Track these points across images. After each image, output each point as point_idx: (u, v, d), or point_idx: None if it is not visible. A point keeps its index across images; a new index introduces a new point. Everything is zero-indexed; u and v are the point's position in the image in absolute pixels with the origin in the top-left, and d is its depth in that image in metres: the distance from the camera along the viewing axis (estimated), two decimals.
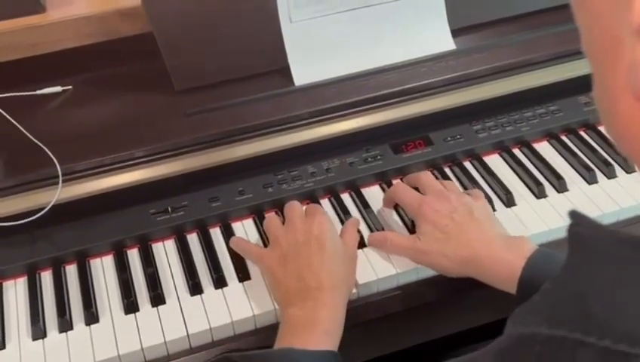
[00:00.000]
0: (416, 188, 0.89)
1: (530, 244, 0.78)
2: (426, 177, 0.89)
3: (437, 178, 0.96)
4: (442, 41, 0.99)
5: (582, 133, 1.02)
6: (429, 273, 0.84)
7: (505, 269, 0.76)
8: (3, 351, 0.78)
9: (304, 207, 0.87)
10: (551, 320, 0.39)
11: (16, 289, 0.85)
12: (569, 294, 0.39)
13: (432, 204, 0.83)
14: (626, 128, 0.38)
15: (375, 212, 0.92)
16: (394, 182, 0.96)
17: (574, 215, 0.42)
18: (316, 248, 0.79)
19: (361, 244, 0.87)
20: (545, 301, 0.41)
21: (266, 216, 0.88)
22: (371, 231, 0.89)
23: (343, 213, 0.91)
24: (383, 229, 0.88)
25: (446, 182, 0.90)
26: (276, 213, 0.92)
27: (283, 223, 0.85)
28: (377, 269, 0.84)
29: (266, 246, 0.86)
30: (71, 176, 0.86)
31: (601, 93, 0.40)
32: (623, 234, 0.39)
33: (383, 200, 0.92)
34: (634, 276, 0.37)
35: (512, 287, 0.75)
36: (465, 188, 0.94)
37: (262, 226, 0.89)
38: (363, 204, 0.93)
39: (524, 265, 0.74)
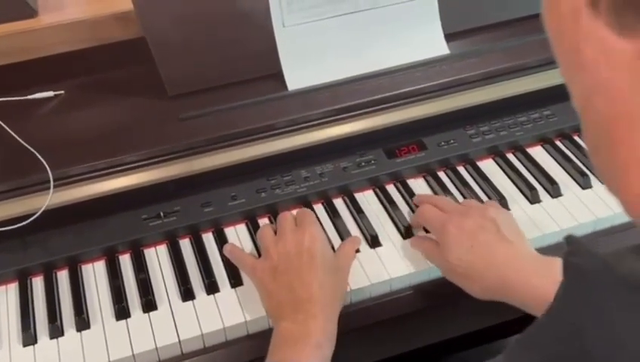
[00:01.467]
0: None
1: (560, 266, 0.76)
2: (444, 200, 0.88)
3: (430, 183, 0.96)
4: (436, 46, 0.99)
5: (576, 138, 1.02)
6: (422, 278, 0.84)
7: (536, 295, 0.72)
8: None
9: (296, 212, 0.87)
10: (547, 358, 0.38)
11: (7, 295, 0.84)
12: (565, 330, 0.38)
13: (456, 222, 0.80)
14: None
15: (368, 217, 0.91)
16: (387, 187, 0.96)
17: (571, 241, 0.41)
18: (307, 260, 0.78)
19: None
20: (541, 335, 0.40)
21: (260, 225, 0.88)
22: (364, 236, 0.89)
23: (336, 218, 0.91)
24: (376, 235, 0.88)
25: (463, 201, 0.90)
26: (270, 220, 0.92)
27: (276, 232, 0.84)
28: (370, 275, 0.84)
29: (259, 253, 0.86)
30: (62, 181, 0.85)
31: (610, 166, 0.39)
32: (621, 270, 0.37)
33: (412, 221, 0.90)
34: (631, 317, 0.35)
35: None
36: (460, 192, 0.94)
37: (255, 233, 0.89)
38: (356, 209, 0.92)
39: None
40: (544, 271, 0.74)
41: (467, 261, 0.77)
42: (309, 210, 0.88)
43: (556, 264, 0.74)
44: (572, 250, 0.40)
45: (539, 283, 0.73)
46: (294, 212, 0.88)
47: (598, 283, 0.38)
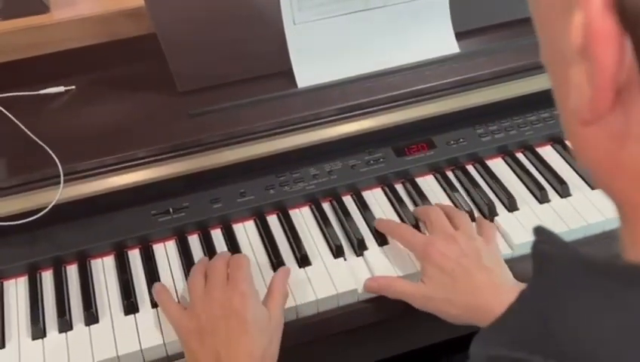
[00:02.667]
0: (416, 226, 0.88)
1: None
2: (436, 214, 0.85)
3: (439, 182, 0.96)
4: (446, 44, 0.99)
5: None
6: None
7: None
8: (2, 350, 0.78)
9: (229, 259, 0.81)
10: (513, 342, 0.38)
11: (17, 289, 0.85)
12: (532, 315, 0.38)
13: (439, 246, 0.79)
14: (581, 150, 0.37)
15: (377, 215, 0.91)
16: (396, 185, 0.95)
17: (539, 231, 0.41)
18: (236, 325, 0.73)
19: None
20: (510, 321, 0.40)
21: (192, 269, 0.81)
22: (373, 234, 0.89)
23: (345, 216, 0.91)
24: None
25: (458, 217, 0.85)
26: (278, 217, 0.92)
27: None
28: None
29: (269, 253, 0.86)
30: (73, 176, 0.86)
31: (560, 111, 0.39)
32: (589, 256, 0.37)
33: (386, 231, 0.88)
34: (596, 301, 0.36)
35: None
36: (468, 191, 0.94)
37: (264, 231, 0.89)
38: (365, 207, 0.92)
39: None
40: None
41: (447, 285, 0.77)
42: (244, 258, 0.81)
43: None
44: (541, 238, 0.41)
45: None
46: (227, 259, 0.82)
47: (564, 267, 0.38)
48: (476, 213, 0.91)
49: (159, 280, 0.84)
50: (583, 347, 0.35)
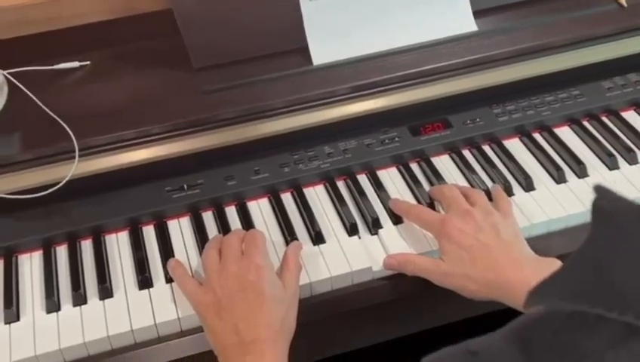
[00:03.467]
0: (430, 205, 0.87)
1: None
2: (450, 192, 0.84)
3: (455, 162, 0.95)
4: (464, 22, 0.98)
5: (604, 119, 1.00)
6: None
7: None
8: (17, 323, 0.78)
9: (244, 235, 0.81)
10: (573, 295, 0.38)
11: (32, 263, 0.85)
12: (591, 268, 0.38)
13: (456, 222, 0.79)
14: None
15: (391, 194, 0.91)
16: (411, 165, 0.95)
17: (599, 189, 0.41)
18: (253, 298, 0.73)
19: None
20: (566, 275, 0.40)
21: (206, 246, 0.81)
22: (387, 213, 0.88)
23: (359, 195, 0.90)
24: None
25: (473, 194, 0.84)
26: (292, 195, 0.91)
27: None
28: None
29: (284, 231, 0.86)
30: (87, 151, 0.86)
31: None
32: None
33: (401, 213, 0.87)
34: None
35: None
36: (485, 171, 0.93)
37: (278, 208, 0.89)
38: (379, 186, 0.92)
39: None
40: (542, 270, 0.73)
41: (466, 261, 0.76)
42: (259, 233, 0.81)
43: (555, 265, 0.75)
44: (600, 195, 0.41)
45: (537, 281, 0.72)
46: (241, 235, 0.81)
47: (625, 220, 0.38)
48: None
49: (173, 256, 0.84)
50: None
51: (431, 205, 0.88)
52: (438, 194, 0.87)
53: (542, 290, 0.41)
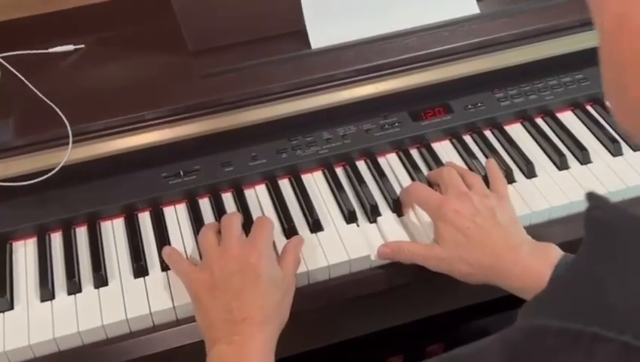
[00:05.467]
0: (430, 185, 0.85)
1: (556, 251, 0.74)
2: (449, 174, 0.83)
3: (456, 147, 0.94)
4: (466, 5, 0.96)
5: (608, 104, 0.98)
6: None
7: (531, 277, 0.71)
8: (11, 311, 0.77)
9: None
10: (566, 312, 0.36)
11: (26, 250, 0.84)
12: (586, 283, 0.37)
13: (453, 204, 0.78)
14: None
15: (391, 181, 0.89)
16: (411, 150, 0.93)
17: (592, 197, 0.40)
18: (251, 279, 0.72)
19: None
20: (559, 291, 0.39)
21: (203, 229, 0.79)
22: (387, 200, 0.87)
23: (358, 182, 0.89)
24: (398, 199, 0.86)
25: (470, 176, 0.84)
26: (290, 181, 0.90)
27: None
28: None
29: (281, 218, 0.85)
30: (82, 137, 0.85)
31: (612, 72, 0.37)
32: None
33: (400, 196, 0.86)
34: None
35: None
36: (486, 156, 0.92)
37: (275, 194, 0.88)
38: (379, 173, 0.90)
39: (552, 274, 0.70)
40: (539, 254, 0.74)
41: (461, 244, 0.75)
42: (269, 221, 0.80)
43: (552, 249, 0.74)
44: (594, 204, 0.40)
45: (534, 265, 0.72)
46: (239, 218, 0.80)
47: (620, 233, 0.37)
48: None
49: (169, 243, 0.83)
50: None
51: None
52: (437, 176, 0.86)
53: (536, 307, 0.40)
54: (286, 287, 0.75)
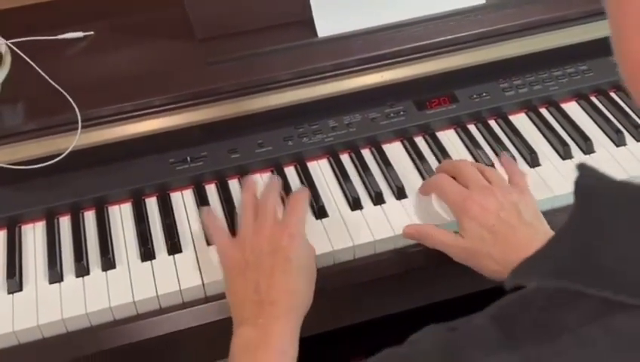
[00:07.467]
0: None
1: None
2: (467, 167, 0.82)
3: (460, 137, 0.94)
4: None
5: (612, 95, 0.99)
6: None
7: None
8: (20, 293, 0.79)
9: (289, 197, 0.80)
10: (551, 271, 0.38)
11: (35, 233, 0.85)
12: (574, 245, 0.38)
13: (478, 199, 0.77)
14: (637, 67, 0.37)
15: (396, 169, 0.90)
16: (416, 139, 0.94)
17: (582, 167, 0.41)
18: (281, 262, 0.72)
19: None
20: (547, 252, 0.40)
21: (243, 205, 0.79)
22: (391, 188, 0.87)
23: (364, 170, 0.90)
24: (403, 187, 0.87)
25: (489, 171, 0.83)
26: (296, 168, 0.91)
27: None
28: (395, 227, 0.83)
29: (284, 202, 0.85)
30: (90, 123, 0.86)
31: (615, 34, 0.38)
32: (630, 184, 0.38)
33: (422, 187, 0.86)
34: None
35: None
36: (490, 146, 0.92)
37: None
38: (384, 161, 0.91)
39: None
40: None
41: (489, 238, 0.75)
42: (302, 202, 0.79)
43: None
44: (583, 173, 0.41)
45: None
46: (276, 195, 0.80)
47: (610, 196, 0.38)
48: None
49: (176, 228, 0.84)
50: (628, 272, 0.35)
51: None
52: (453, 169, 0.84)
53: (525, 268, 0.41)
54: (314, 272, 0.76)
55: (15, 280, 0.79)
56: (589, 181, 0.40)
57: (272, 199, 0.79)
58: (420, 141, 0.94)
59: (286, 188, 0.88)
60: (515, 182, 0.82)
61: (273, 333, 0.69)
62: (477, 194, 0.78)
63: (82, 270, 0.80)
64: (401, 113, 0.94)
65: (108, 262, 0.81)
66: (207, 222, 0.81)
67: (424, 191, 0.86)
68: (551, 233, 0.77)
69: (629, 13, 0.37)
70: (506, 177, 0.84)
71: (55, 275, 0.80)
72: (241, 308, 0.72)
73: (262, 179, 0.90)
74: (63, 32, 0.95)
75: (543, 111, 0.97)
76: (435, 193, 0.84)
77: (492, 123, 0.96)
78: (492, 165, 0.88)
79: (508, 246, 0.74)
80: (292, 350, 0.69)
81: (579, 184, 0.40)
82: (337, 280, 0.81)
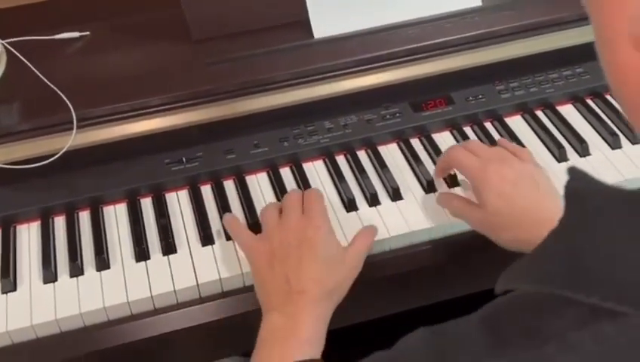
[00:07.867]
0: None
1: None
2: (479, 144, 0.83)
3: (456, 138, 0.94)
4: None
5: (608, 98, 0.99)
6: (443, 233, 0.83)
7: None
8: (14, 293, 0.78)
9: (305, 193, 0.81)
10: (540, 277, 0.38)
11: (30, 233, 0.85)
12: (563, 250, 0.38)
13: (496, 167, 0.76)
14: (626, 77, 0.37)
15: (391, 171, 0.90)
16: (412, 141, 0.94)
17: (572, 171, 0.41)
18: (307, 252, 0.74)
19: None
20: (536, 257, 0.40)
21: (266, 206, 0.81)
22: (387, 190, 0.88)
23: (359, 171, 0.90)
24: (398, 188, 0.87)
25: (496, 148, 0.83)
26: (291, 169, 0.91)
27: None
28: (390, 227, 0.83)
29: (279, 201, 0.85)
30: (86, 123, 0.85)
31: (601, 44, 0.38)
32: (620, 189, 0.38)
33: (438, 166, 0.86)
34: (629, 231, 0.36)
35: None
36: None
37: (276, 182, 0.89)
38: (379, 162, 0.91)
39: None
40: None
41: (507, 209, 0.75)
42: (319, 194, 0.81)
43: None
44: (573, 177, 0.41)
45: None
46: (301, 193, 0.81)
47: (598, 201, 0.38)
48: None
49: (171, 229, 0.84)
50: (615, 278, 0.34)
51: (430, 183, 0.87)
52: (468, 145, 0.82)
53: (514, 272, 0.41)
54: (346, 268, 0.76)
55: (9, 280, 0.79)
56: (578, 185, 0.40)
57: (297, 195, 0.81)
58: (415, 143, 0.94)
59: (282, 189, 0.88)
60: (523, 158, 0.82)
61: (300, 322, 0.70)
62: (494, 164, 0.78)
63: (76, 270, 0.80)
64: (397, 115, 0.94)
65: (102, 262, 0.81)
66: (227, 225, 0.82)
67: (441, 167, 0.86)
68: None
69: (617, 25, 0.37)
70: None
71: (49, 275, 0.80)
72: (270, 297, 0.73)
73: (257, 180, 0.90)
74: (59, 32, 0.95)
75: (539, 113, 0.97)
76: (453, 166, 0.85)
77: (488, 125, 0.96)
78: None
79: (525, 216, 0.74)
80: (319, 341, 0.70)
81: (569, 188, 0.40)
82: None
